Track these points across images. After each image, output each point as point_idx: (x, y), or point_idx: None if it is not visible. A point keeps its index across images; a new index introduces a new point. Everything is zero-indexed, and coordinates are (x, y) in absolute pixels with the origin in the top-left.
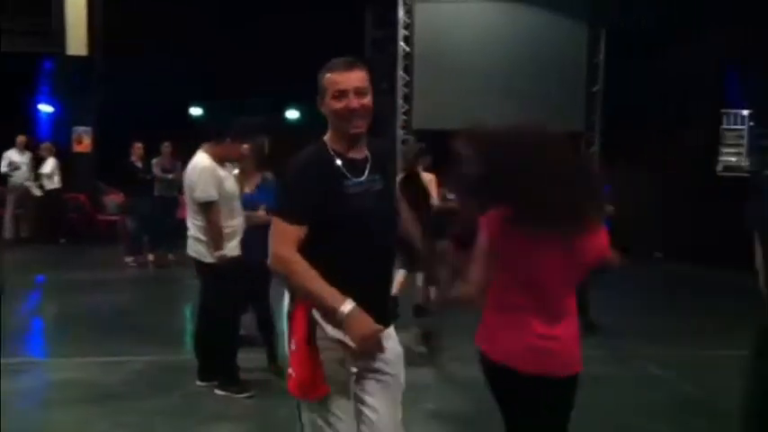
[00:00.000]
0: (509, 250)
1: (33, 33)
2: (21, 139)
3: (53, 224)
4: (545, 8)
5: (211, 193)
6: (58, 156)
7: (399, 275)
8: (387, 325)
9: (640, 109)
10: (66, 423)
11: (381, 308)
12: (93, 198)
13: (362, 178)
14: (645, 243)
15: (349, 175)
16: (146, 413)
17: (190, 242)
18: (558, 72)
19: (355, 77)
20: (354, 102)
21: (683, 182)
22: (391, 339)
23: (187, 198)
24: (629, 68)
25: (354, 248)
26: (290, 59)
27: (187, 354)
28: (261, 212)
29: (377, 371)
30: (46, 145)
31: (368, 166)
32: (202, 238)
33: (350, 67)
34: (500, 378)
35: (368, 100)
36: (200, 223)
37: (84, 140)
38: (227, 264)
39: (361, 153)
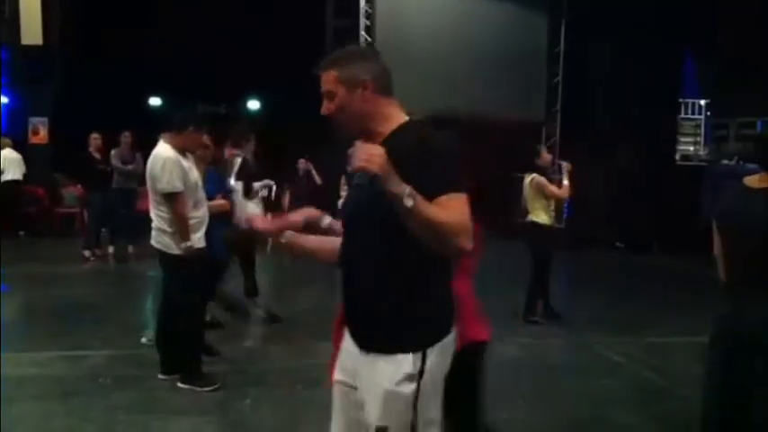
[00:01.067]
0: None
1: None
2: None
3: (11, 217)
4: None
5: (176, 185)
6: (15, 148)
7: None
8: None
9: (599, 99)
10: (28, 419)
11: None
12: (50, 190)
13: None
14: (606, 233)
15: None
16: (109, 408)
17: (154, 233)
18: (519, 62)
19: (323, 80)
20: (324, 107)
21: (643, 171)
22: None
23: (150, 189)
24: (588, 58)
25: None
26: (251, 49)
27: (148, 347)
28: (220, 201)
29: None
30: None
31: None
32: (168, 229)
33: (320, 68)
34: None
35: (332, 104)
36: (164, 214)
37: (40, 132)
38: (193, 255)
39: None
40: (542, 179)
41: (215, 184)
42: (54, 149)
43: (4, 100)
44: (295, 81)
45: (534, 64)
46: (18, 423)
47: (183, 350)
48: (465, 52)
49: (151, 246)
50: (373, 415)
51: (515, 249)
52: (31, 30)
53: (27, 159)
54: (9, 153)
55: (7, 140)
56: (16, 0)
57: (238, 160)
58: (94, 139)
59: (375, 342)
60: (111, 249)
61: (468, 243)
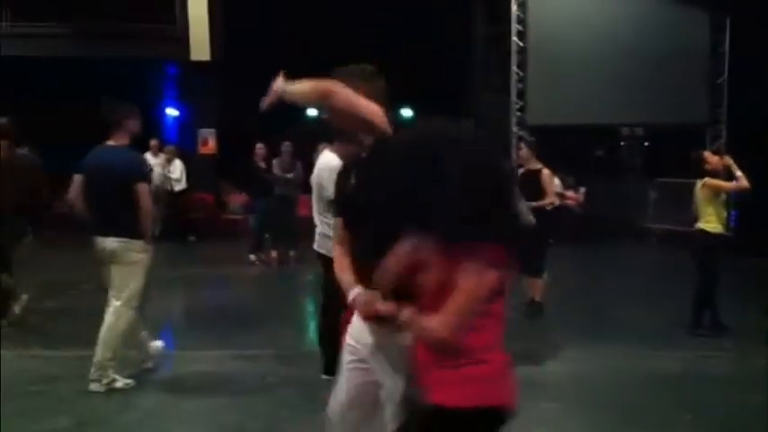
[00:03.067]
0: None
1: (160, 39)
2: (154, 142)
3: (181, 223)
4: None
5: None
6: (183, 158)
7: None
8: None
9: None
10: (199, 414)
11: None
12: (217, 198)
13: None
14: None
15: None
16: (274, 405)
17: (318, 239)
18: (679, 63)
19: None
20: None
21: None
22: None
23: (315, 196)
24: (755, 56)
25: None
26: (401, 58)
27: (311, 347)
28: None
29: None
30: (169, 148)
31: None
32: (331, 234)
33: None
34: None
35: None
36: (329, 221)
37: (209, 142)
38: None
39: None
40: (714, 181)
41: None
42: (221, 159)
43: (175, 113)
44: (445, 88)
45: (696, 64)
46: (188, 419)
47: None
48: (622, 54)
49: (311, 250)
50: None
51: (680, 256)
52: (200, 46)
53: (196, 169)
54: (180, 164)
55: (174, 150)
56: (186, 19)
57: None
58: (259, 148)
59: None
60: (273, 254)
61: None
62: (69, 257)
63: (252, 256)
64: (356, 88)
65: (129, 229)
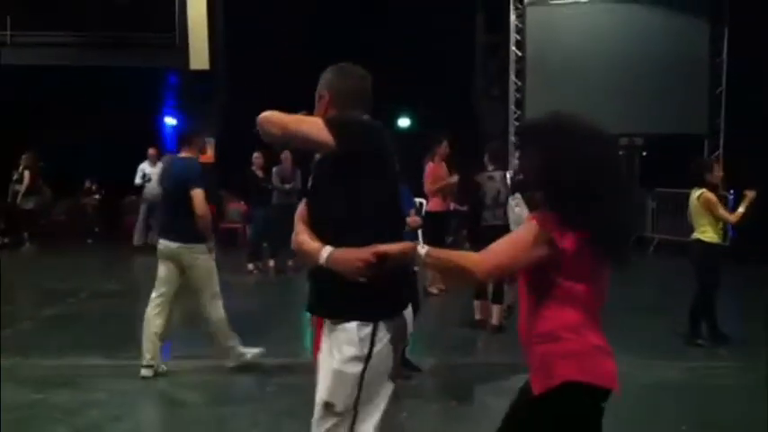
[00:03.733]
0: (580, 269)
1: (159, 49)
2: (152, 151)
3: None
4: (662, 6)
5: None
6: None
7: None
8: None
9: (766, 110)
10: (200, 423)
11: None
12: (216, 206)
13: None
14: None
15: None
16: (274, 413)
17: None
18: (678, 73)
19: None
20: None
21: None
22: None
23: None
24: (754, 67)
25: None
26: (400, 66)
27: (310, 355)
28: (414, 218)
29: None
30: (166, 158)
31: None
32: None
33: None
34: (597, 404)
35: None
36: None
37: (207, 151)
38: None
39: None
40: (712, 197)
41: (407, 201)
42: (219, 168)
43: (174, 122)
44: (445, 97)
45: (695, 74)
46: (188, 428)
47: None
48: (620, 64)
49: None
50: None
51: (678, 266)
52: (199, 56)
53: None
54: None
55: None
56: (185, 29)
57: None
58: (257, 158)
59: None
60: (271, 263)
61: None
62: (67, 265)
63: (250, 265)
64: (328, 85)
65: (191, 234)
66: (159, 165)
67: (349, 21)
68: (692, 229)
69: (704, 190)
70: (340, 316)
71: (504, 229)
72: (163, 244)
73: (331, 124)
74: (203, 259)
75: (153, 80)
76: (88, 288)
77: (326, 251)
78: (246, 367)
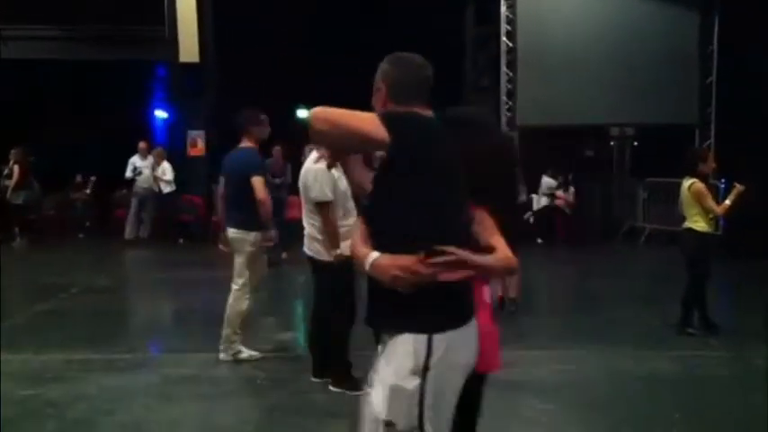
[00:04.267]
0: None
1: (149, 41)
2: (142, 145)
3: (170, 225)
4: None
5: (327, 194)
6: (171, 160)
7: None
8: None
9: (756, 100)
10: (188, 418)
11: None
12: (207, 200)
13: None
14: (765, 242)
15: None
16: (265, 408)
17: (306, 241)
18: (668, 63)
19: None
20: None
21: None
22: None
23: (303, 198)
24: (743, 56)
25: None
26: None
27: (300, 350)
28: None
29: None
30: (158, 150)
31: None
32: (319, 237)
33: None
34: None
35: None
36: (317, 223)
37: (198, 144)
38: (342, 262)
39: None
40: (702, 187)
41: None
42: (210, 160)
43: (164, 115)
44: (435, 89)
45: (685, 64)
46: (178, 422)
47: (332, 354)
48: (611, 55)
49: (303, 252)
50: None
51: (669, 256)
52: (189, 48)
53: (186, 170)
54: (168, 166)
55: (162, 152)
56: (174, 21)
57: None
58: None
59: None
60: (264, 256)
61: None
62: (58, 260)
63: None
64: (384, 76)
65: (246, 222)
66: (150, 158)
67: (341, 15)
68: (683, 219)
69: (695, 180)
70: (394, 329)
71: None
72: (229, 232)
73: (386, 119)
74: (250, 250)
75: (142, 73)
76: (80, 283)
77: (372, 257)
78: (237, 361)
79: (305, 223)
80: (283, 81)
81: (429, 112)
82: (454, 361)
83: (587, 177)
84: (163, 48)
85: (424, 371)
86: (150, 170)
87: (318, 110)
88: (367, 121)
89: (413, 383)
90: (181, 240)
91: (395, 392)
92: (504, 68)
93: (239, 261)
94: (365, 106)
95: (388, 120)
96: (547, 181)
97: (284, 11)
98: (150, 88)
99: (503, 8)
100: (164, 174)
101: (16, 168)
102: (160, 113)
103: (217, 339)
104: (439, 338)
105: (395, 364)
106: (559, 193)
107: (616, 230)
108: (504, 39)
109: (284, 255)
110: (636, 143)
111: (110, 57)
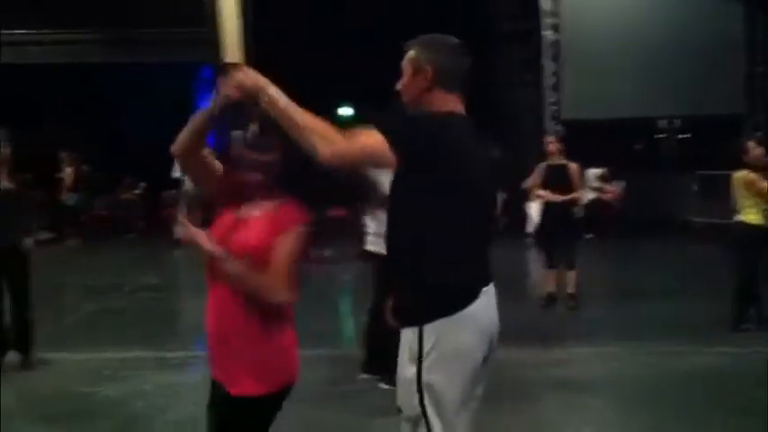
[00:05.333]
0: None
1: (191, 43)
2: None
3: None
4: None
5: None
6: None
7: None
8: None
9: None
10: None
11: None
12: None
13: None
14: None
15: None
16: (316, 406)
17: (370, 238)
18: (715, 54)
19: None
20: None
21: None
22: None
23: None
24: None
25: None
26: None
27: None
28: None
29: None
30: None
31: None
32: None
33: (406, 45)
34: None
35: (401, 82)
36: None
37: None
38: None
39: None
40: (754, 175)
41: None
42: None
43: None
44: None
45: (732, 55)
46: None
47: (386, 351)
48: (657, 47)
49: (348, 251)
50: None
51: (723, 250)
52: (231, 48)
53: None
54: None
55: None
56: (216, 22)
57: None
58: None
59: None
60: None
61: None
62: (109, 260)
63: None
64: (429, 59)
65: None
66: None
67: (380, 8)
68: (734, 212)
69: (746, 171)
70: (400, 324)
71: None
72: None
73: (392, 140)
74: None
75: (186, 74)
76: (131, 282)
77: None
78: None
79: (368, 220)
80: (324, 78)
81: (462, 107)
82: (449, 348)
83: (636, 171)
84: (205, 49)
85: (418, 360)
86: None
87: (326, 152)
88: (375, 147)
89: (410, 371)
90: None
91: (399, 381)
92: (548, 61)
93: None
94: None
95: (393, 141)
96: (593, 173)
97: (320, 8)
98: (195, 89)
99: (547, 1)
100: None
101: (69, 171)
102: None
103: None
104: (429, 328)
105: (401, 355)
106: (608, 186)
107: (668, 224)
108: (546, 32)
109: (327, 252)
110: (681, 135)
111: (153, 59)
